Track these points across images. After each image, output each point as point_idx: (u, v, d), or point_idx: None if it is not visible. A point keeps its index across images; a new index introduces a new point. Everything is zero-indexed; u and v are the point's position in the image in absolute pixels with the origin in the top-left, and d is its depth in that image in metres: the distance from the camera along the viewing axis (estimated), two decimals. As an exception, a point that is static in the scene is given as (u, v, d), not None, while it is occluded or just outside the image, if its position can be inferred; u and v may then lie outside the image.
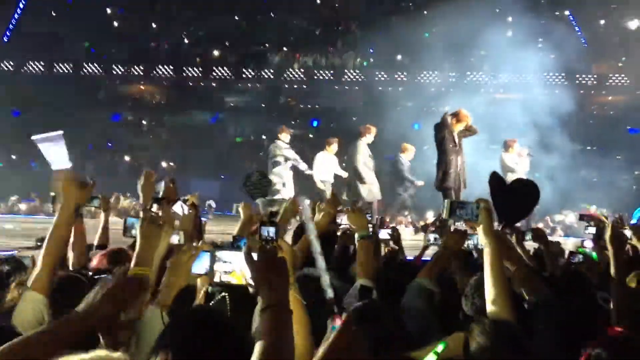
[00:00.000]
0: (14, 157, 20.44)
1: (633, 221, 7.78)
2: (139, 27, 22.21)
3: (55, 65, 21.87)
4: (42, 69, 21.85)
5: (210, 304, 2.92)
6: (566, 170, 15.30)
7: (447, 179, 8.91)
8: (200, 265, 2.75)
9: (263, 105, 22.56)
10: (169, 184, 4.34)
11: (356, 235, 3.45)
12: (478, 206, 2.76)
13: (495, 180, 4.59)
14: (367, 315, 2.40)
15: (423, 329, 2.85)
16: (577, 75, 20.51)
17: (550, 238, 6.24)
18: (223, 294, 2.91)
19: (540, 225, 14.99)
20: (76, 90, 20.96)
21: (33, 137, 7.87)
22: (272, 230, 2.49)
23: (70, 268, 4.07)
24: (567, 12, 20.30)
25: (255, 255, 2.08)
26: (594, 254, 3.87)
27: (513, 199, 4.10)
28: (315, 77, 21.67)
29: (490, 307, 2.58)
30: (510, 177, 10.34)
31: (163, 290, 2.60)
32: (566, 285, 3.50)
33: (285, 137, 11.51)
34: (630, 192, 17.71)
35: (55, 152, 8.72)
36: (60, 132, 8.74)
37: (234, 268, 2.62)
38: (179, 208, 4.33)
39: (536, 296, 2.97)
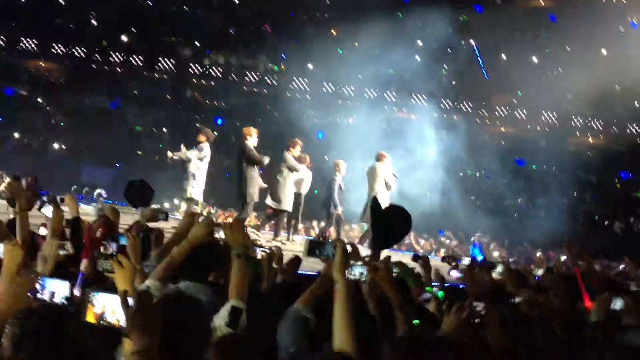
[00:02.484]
0: None
1: (479, 257, 8.29)
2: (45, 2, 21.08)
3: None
4: None
5: None
6: (454, 193, 15.98)
7: None
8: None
9: (168, 97, 22.07)
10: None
11: (231, 253, 3.27)
12: (334, 246, 3.03)
13: (375, 206, 4.83)
14: (229, 349, 2.43)
15: (293, 356, 2.93)
16: (476, 104, 21.56)
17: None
18: None
19: (424, 242, 15.62)
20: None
21: None
22: (114, 245, 2.46)
23: None
24: (472, 42, 21.22)
25: (130, 301, 2.14)
26: (440, 293, 4.11)
27: (388, 225, 4.32)
28: (224, 75, 21.50)
29: (335, 340, 2.76)
30: (386, 189, 10.56)
31: None
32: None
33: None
34: (513, 218, 18.79)
35: None
36: None
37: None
38: (48, 210, 4.15)
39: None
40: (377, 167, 10.69)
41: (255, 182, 10.35)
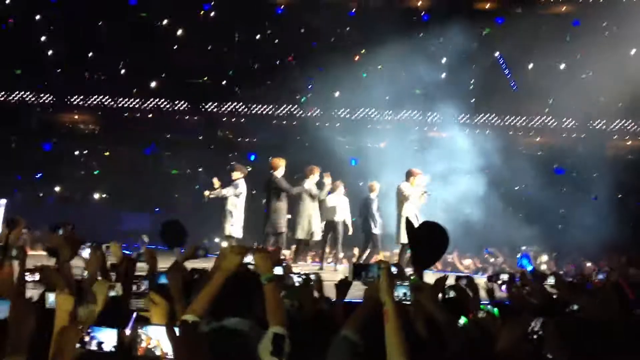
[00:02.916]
0: None
1: (529, 267, 8.08)
2: (74, 56, 21.71)
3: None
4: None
5: None
6: (494, 208, 15.73)
7: None
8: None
9: (200, 138, 22.39)
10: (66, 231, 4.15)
11: (261, 279, 3.25)
12: (380, 267, 2.98)
13: (409, 226, 4.77)
14: None
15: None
16: (507, 116, 21.34)
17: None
18: None
19: (469, 261, 15.35)
20: (5, 117, 20.33)
21: None
22: (146, 283, 2.47)
23: None
24: (497, 54, 21.08)
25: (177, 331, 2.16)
26: (496, 310, 3.98)
27: (425, 244, 4.23)
28: (252, 112, 21.77)
29: None
30: (406, 208, 10.34)
31: None
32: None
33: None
34: (556, 229, 18.35)
35: None
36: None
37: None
38: (87, 254, 4.22)
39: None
40: (403, 186, 10.58)
41: (283, 212, 10.41)
